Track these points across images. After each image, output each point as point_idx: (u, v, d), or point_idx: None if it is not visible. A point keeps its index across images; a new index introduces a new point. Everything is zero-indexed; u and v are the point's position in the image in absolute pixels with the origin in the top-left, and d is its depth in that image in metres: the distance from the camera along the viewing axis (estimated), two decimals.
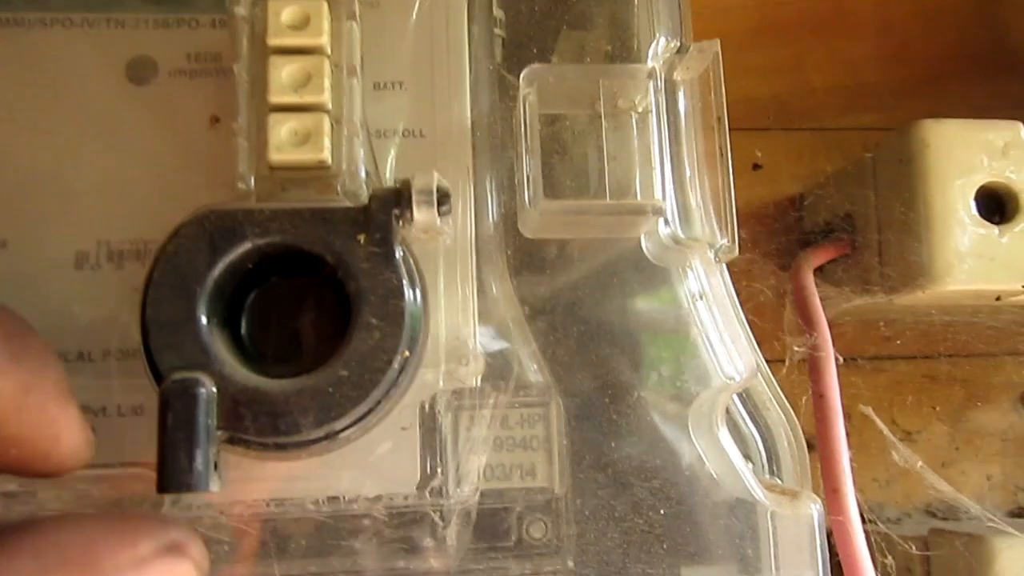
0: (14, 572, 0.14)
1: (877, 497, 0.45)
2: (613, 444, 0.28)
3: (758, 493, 0.26)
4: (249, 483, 0.26)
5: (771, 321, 0.38)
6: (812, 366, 0.31)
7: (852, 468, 0.29)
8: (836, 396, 0.30)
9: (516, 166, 0.28)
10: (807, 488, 0.27)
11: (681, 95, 0.29)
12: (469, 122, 0.29)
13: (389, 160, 0.28)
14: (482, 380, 0.28)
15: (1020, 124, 0.36)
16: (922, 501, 0.46)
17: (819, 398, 0.30)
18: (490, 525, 0.28)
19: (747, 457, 0.29)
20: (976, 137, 0.36)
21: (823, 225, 0.42)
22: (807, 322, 0.33)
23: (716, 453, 0.27)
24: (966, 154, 0.36)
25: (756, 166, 0.43)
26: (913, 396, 0.46)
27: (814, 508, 0.25)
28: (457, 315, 0.27)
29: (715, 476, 0.27)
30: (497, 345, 0.28)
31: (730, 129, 0.27)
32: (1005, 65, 0.50)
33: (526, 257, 0.29)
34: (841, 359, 0.33)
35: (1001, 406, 0.48)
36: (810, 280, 0.35)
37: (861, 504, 0.31)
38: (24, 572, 0.14)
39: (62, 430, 0.17)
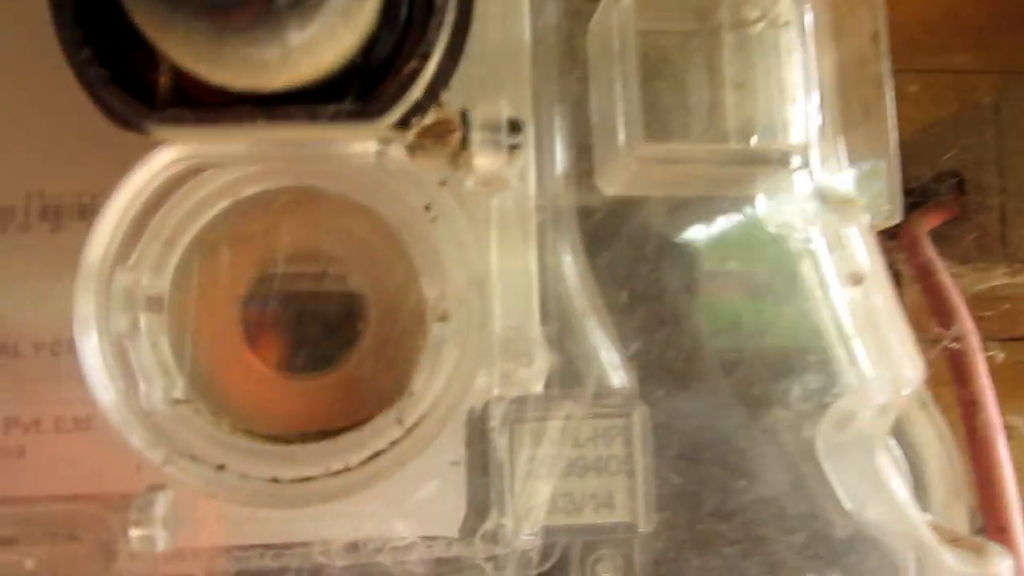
0: None
1: None
2: (716, 468, 0.21)
3: (930, 540, 0.19)
4: (238, 524, 0.19)
5: None
6: (955, 365, 0.24)
7: None
8: (992, 402, 0.23)
9: (597, 99, 0.21)
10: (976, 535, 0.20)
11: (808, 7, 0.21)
12: (528, 38, 0.21)
13: None
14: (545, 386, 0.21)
15: None
16: None
17: (968, 406, 0.24)
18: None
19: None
20: None
21: (924, 182, 0.35)
22: (940, 310, 0.26)
23: (866, 484, 0.20)
24: None
25: None
26: None
27: (1004, 567, 0.19)
28: (515, 299, 0.20)
29: (871, 518, 0.21)
30: (567, 338, 0.21)
31: None
32: None
33: (605, 222, 0.22)
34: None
35: None
36: (931, 252, 0.28)
37: None
38: None
39: None
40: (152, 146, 0.18)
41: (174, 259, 0.19)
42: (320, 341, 0.20)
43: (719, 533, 0.20)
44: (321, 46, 0.14)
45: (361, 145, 0.18)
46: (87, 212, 0.20)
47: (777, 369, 0.20)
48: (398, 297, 0.20)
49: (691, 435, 0.21)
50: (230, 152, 0.18)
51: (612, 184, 0.21)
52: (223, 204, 0.19)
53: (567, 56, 0.22)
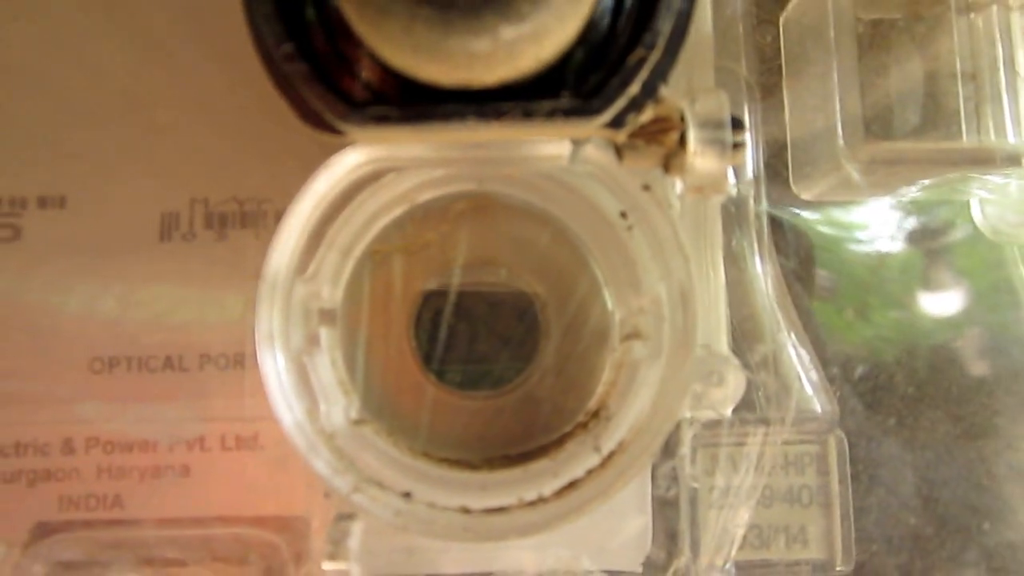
0: None
1: None
2: (956, 507, 0.19)
3: None
4: (413, 554, 0.18)
5: None
6: None
7: None
8: None
9: (798, 95, 0.19)
10: None
11: None
12: (710, 27, 0.20)
13: None
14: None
15: None
16: None
17: None
18: None
19: None
20: None
21: None
22: None
23: None
24: None
25: None
26: None
27: None
28: (703, 313, 0.19)
29: None
30: (758, 357, 0.19)
31: None
32: None
33: (796, 223, 0.20)
34: None
35: None
36: None
37: None
38: None
39: None
40: (319, 149, 0.17)
41: (348, 270, 0.18)
42: (497, 357, 0.19)
43: None
44: (550, 29, 0.13)
45: (555, 146, 0.16)
46: (248, 220, 0.20)
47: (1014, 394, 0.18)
48: (581, 311, 0.18)
49: (925, 470, 0.19)
50: (418, 155, 0.16)
51: (813, 188, 0.19)
52: (398, 211, 0.18)
53: (750, 48, 0.20)
